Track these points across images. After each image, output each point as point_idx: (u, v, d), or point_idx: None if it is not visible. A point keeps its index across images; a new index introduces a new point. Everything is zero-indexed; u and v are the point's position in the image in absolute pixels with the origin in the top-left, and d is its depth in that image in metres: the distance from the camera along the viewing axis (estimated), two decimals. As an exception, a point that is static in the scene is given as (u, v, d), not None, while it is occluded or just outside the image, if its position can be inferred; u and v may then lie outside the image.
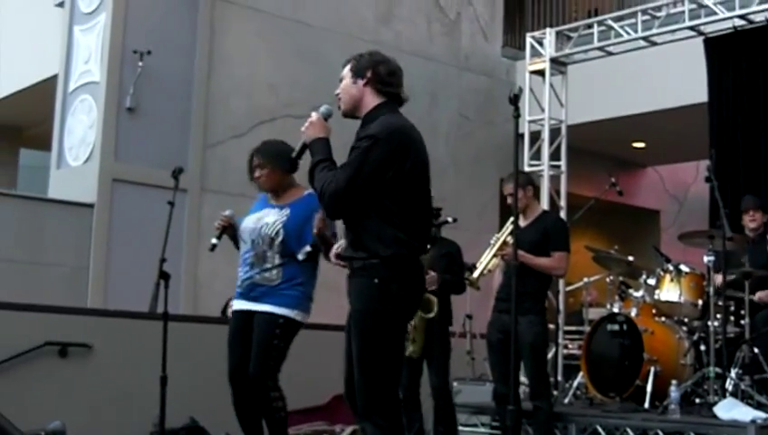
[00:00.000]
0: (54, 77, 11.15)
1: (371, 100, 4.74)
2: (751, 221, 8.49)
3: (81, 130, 10.34)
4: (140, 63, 10.08)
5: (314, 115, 4.80)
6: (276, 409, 5.97)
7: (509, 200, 7.09)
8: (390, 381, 4.60)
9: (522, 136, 11.14)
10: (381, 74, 4.73)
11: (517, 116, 5.05)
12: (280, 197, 6.18)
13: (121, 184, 9.97)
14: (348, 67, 4.82)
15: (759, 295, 8.15)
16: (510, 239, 6.82)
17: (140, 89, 10.12)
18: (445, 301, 7.50)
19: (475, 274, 7.01)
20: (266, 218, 6.06)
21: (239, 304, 6.10)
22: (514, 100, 5.02)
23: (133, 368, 8.26)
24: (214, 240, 6.08)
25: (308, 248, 5.99)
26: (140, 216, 9.60)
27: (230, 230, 6.15)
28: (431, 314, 7.08)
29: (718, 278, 7.65)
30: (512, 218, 6.69)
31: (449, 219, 7.46)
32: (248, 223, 6.12)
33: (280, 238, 5.98)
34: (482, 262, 7.05)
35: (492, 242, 7.10)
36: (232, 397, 6.01)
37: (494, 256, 7.02)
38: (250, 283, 6.02)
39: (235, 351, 6.02)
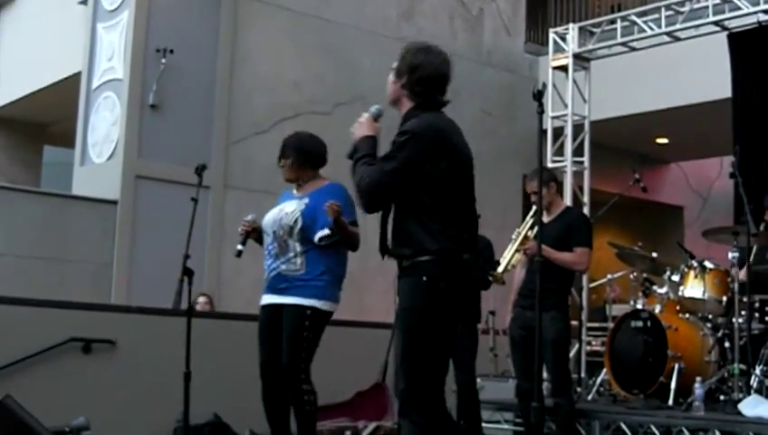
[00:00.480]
0: (78, 74, 11.22)
1: (406, 102, 4.73)
2: (776, 217, 8.46)
3: (104, 127, 10.39)
4: (163, 60, 10.13)
5: (365, 115, 4.79)
6: (307, 402, 5.98)
7: (533, 198, 7.06)
8: (432, 379, 4.58)
9: (545, 132, 11.09)
10: (413, 82, 4.70)
11: (541, 112, 5.04)
12: (302, 187, 6.24)
13: (145, 181, 10.02)
14: (398, 60, 4.82)
15: None
16: (531, 234, 6.81)
17: (163, 86, 10.16)
18: (473, 297, 7.48)
19: (499, 269, 6.98)
20: (286, 208, 6.13)
21: (267, 299, 6.11)
22: (538, 96, 5.01)
23: (157, 364, 8.29)
24: (239, 246, 6.12)
25: (326, 232, 5.99)
26: (164, 212, 9.65)
27: (254, 234, 6.20)
28: None
29: (741, 273, 7.61)
30: (531, 211, 6.67)
31: None
32: (270, 216, 6.18)
33: (299, 226, 6.02)
34: (505, 257, 7.02)
35: (513, 237, 7.07)
36: (262, 391, 6.02)
37: (517, 250, 6.99)
38: (276, 274, 6.06)
39: (265, 345, 6.05)
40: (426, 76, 4.71)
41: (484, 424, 7.91)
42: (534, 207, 6.59)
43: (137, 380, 8.50)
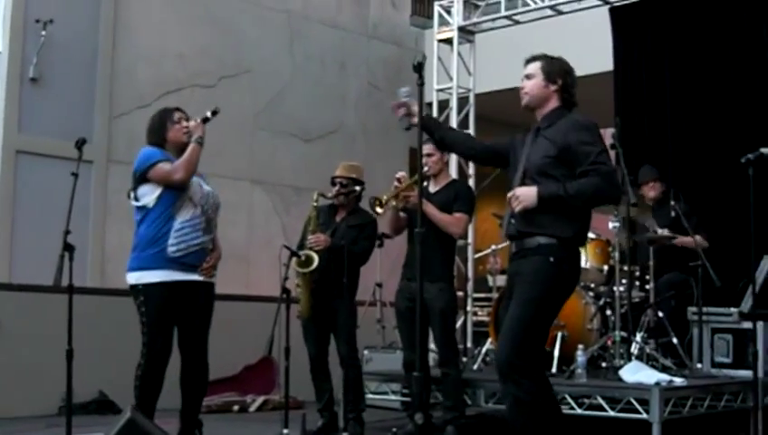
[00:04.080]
0: (-45, 47, 10.91)
1: (554, 102, 5.36)
2: (650, 190, 8.72)
3: (-18, 101, 10.13)
4: (43, 33, 9.87)
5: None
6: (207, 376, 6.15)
7: (424, 160, 7.09)
8: (536, 347, 5.18)
9: (430, 105, 11.19)
10: (568, 84, 5.37)
11: (421, 84, 5.04)
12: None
13: (25, 156, 9.78)
14: (537, 66, 5.40)
15: (680, 239, 8.27)
16: (416, 186, 6.84)
17: (44, 59, 9.92)
18: (352, 272, 7.51)
19: (381, 199, 7.02)
20: (205, 186, 6.09)
21: (180, 275, 5.91)
22: (418, 67, 5.01)
23: (40, 342, 8.19)
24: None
25: None
26: (45, 188, 9.46)
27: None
28: (310, 269, 7.14)
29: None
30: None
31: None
32: (193, 186, 5.99)
33: (220, 207, 6.14)
34: (384, 195, 7.05)
35: (397, 177, 7.07)
36: (150, 380, 5.83)
37: (397, 194, 7.00)
38: (200, 248, 5.97)
39: (170, 332, 5.93)
40: (575, 81, 5.42)
41: (371, 395, 7.96)
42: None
43: (20, 358, 8.39)
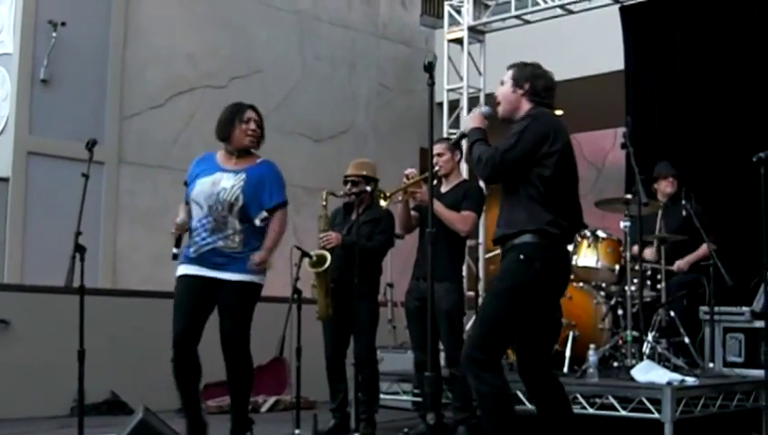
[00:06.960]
0: (-34, 49, 10.94)
1: (525, 106, 5.26)
2: (667, 186, 8.66)
3: (-7, 103, 10.16)
4: (54, 34, 9.90)
5: (476, 111, 5.55)
6: (252, 373, 6.21)
7: (435, 160, 7.08)
8: (500, 342, 5.14)
9: (440, 105, 11.18)
10: (538, 88, 5.25)
11: (432, 84, 5.03)
12: (237, 160, 6.18)
13: (37, 157, 9.81)
14: (509, 74, 5.35)
15: (678, 265, 8.31)
16: (424, 184, 6.85)
17: (55, 60, 9.95)
18: (371, 270, 7.50)
19: (386, 194, 7.03)
20: (223, 183, 6.06)
21: (192, 270, 6.05)
22: (429, 67, 5.00)
23: (52, 343, 8.20)
24: (174, 250, 6.09)
25: (264, 214, 6.12)
26: (57, 189, 9.48)
27: (184, 233, 6.15)
28: (322, 268, 7.14)
29: (635, 248, 7.76)
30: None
31: None
32: (203, 187, 6.08)
33: (240, 204, 6.04)
34: (393, 189, 7.06)
35: (407, 173, 7.07)
36: (175, 361, 5.95)
37: (405, 189, 7.01)
38: (210, 249, 6.02)
39: (186, 315, 5.99)
40: (548, 85, 5.30)
41: (383, 395, 7.95)
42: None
43: (32, 359, 8.40)
